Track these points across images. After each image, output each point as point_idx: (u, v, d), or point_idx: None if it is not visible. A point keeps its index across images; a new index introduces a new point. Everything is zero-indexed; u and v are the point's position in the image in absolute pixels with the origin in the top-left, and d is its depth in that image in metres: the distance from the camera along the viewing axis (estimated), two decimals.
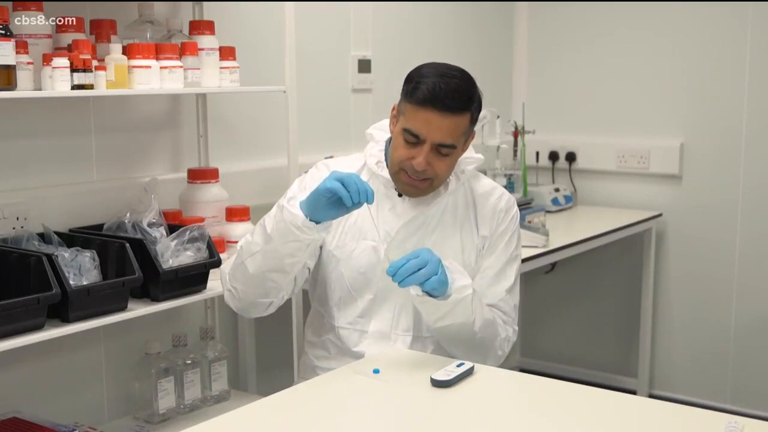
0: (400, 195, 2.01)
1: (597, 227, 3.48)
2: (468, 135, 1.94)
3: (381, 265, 1.98)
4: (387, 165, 2.00)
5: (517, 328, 2.07)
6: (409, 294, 1.86)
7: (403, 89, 1.92)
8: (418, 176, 1.91)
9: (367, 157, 2.04)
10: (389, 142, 2.00)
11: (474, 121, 1.93)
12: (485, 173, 2.39)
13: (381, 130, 2.06)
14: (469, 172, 2.03)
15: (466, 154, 2.03)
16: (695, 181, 3.78)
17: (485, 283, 2.03)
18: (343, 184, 1.73)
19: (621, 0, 3.88)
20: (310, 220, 1.78)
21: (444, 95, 1.84)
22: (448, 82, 1.85)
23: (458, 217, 2.03)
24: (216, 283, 2.30)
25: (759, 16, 3.56)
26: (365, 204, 1.77)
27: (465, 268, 2.00)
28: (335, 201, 1.76)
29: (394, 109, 1.97)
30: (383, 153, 2.02)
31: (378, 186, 2.02)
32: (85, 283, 1.96)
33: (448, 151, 1.89)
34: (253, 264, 1.90)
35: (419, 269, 1.77)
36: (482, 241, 2.04)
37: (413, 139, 1.88)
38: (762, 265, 3.65)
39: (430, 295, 1.84)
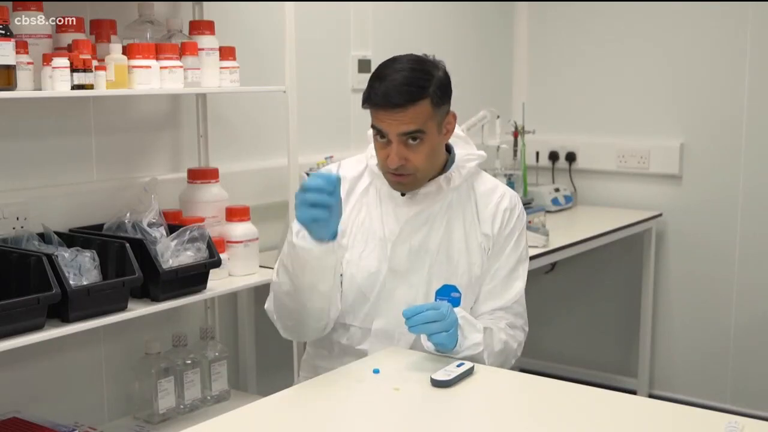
0: (402, 194, 2.01)
1: (597, 227, 3.48)
2: (440, 118, 1.92)
3: (387, 263, 1.98)
4: None
5: (527, 328, 2.08)
6: (421, 340, 1.88)
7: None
8: (399, 172, 1.91)
9: (368, 159, 2.05)
10: None
11: (438, 102, 1.89)
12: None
13: None
14: (470, 169, 2.03)
15: (467, 151, 2.03)
16: (695, 181, 3.78)
17: (497, 284, 2.03)
18: (315, 204, 1.71)
19: (621, 0, 3.88)
20: (326, 240, 1.77)
21: (391, 95, 1.83)
22: (393, 78, 1.85)
23: (461, 213, 2.03)
24: (216, 283, 2.30)
25: (759, 16, 3.56)
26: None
27: (470, 266, 2.00)
28: (321, 217, 1.74)
29: None
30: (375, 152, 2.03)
31: (381, 186, 2.02)
32: (85, 283, 1.96)
33: (416, 137, 1.87)
34: (291, 301, 1.90)
35: (434, 321, 1.79)
36: (486, 240, 2.03)
37: (382, 139, 1.90)
38: (762, 265, 3.65)
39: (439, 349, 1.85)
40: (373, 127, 1.91)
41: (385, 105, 1.85)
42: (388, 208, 2.01)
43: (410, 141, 1.88)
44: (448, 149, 2.04)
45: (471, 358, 1.86)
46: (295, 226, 1.82)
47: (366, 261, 1.99)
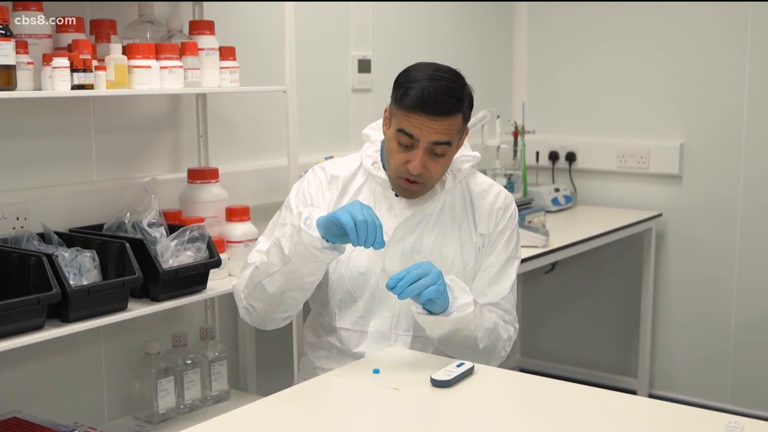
0: (396, 195, 2.01)
1: (597, 227, 3.48)
2: (462, 132, 1.94)
3: (379, 264, 1.98)
4: (383, 165, 2.00)
5: (517, 325, 2.08)
6: (412, 311, 1.88)
7: (392, 94, 1.91)
8: (414, 179, 1.91)
9: (363, 158, 2.04)
10: (385, 142, 2.00)
11: (467, 118, 1.92)
12: (485, 173, 2.40)
13: (377, 130, 2.07)
14: (465, 171, 2.03)
15: (462, 152, 2.03)
16: (695, 181, 3.78)
17: (486, 282, 2.03)
18: (356, 225, 1.72)
19: (621, 0, 3.88)
20: (328, 240, 1.79)
21: (433, 100, 1.83)
22: (436, 85, 1.84)
23: (456, 215, 2.04)
24: (216, 283, 2.30)
25: (759, 16, 3.56)
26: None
27: (464, 266, 2.01)
28: (348, 236, 1.76)
29: (386, 111, 1.96)
30: (379, 153, 2.02)
31: (375, 186, 2.02)
32: (85, 283, 1.96)
33: (443, 149, 1.88)
34: (273, 284, 1.90)
35: (419, 279, 1.78)
36: (481, 240, 2.04)
37: (407, 140, 1.88)
38: (762, 264, 3.65)
39: (432, 313, 1.84)
40: (400, 131, 1.88)
41: (425, 110, 1.83)
42: (381, 208, 2.01)
43: (437, 150, 1.88)
44: None
45: (462, 325, 1.86)
46: (305, 212, 1.82)
47: (356, 261, 1.99)
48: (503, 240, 2.05)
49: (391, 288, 1.78)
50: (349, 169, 2.06)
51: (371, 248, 1.77)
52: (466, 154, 2.04)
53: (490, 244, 2.05)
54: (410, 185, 1.93)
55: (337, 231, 1.76)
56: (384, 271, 1.98)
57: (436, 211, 2.02)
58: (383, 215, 2.00)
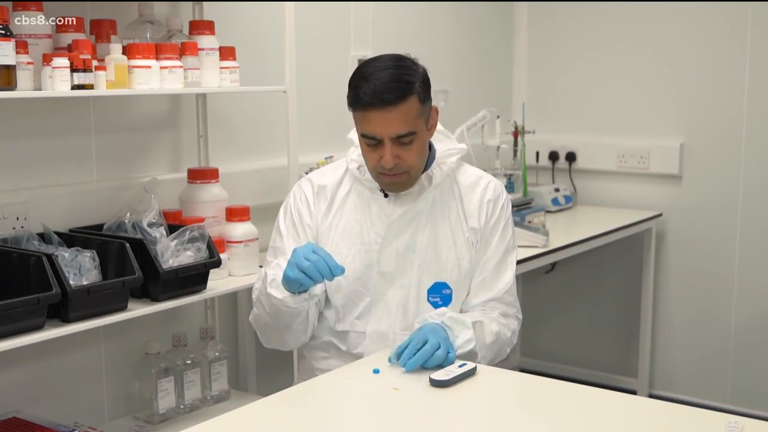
0: (385, 195, 2.01)
1: (597, 227, 3.48)
2: (426, 114, 1.92)
3: (375, 267, 1.98)
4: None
5: (521, 316, 2.09)
6: None
7: (347, 98, 1.92)
8: (393, 172, 1.91)
9: (348, 163, 2.04)
10: None
11: (424, 98, 1.90)
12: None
13: None
14: (451, 164, 2.03)
15: (448, 146, 2.03)
16: (695, 181, 3.78)
17: (487, 276, 2.03)
18: (305, 272, 1.75)
19: (621, 0, 3.88)
20: (298, 292, 1.82)
21: (380, 92, 1.83)
22: (379, 77, 1.84)
23: (446, 210, 2.03)
24: (216, 283, 2.31)
25: (759, 16, 3.56)
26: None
27: (458, 261, 2.01)
28: (305, 285, 1.79)
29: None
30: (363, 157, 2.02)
31: (363, 190, 2.02)
32: (85, 283, 1.96)
33: (410, 138, 1.88)
34: (271, 330, 1.99)
35: (433, 353, 1.79)
36: (473, 234, 2.03)
37: (372, 141, 1.89)
38: (762, 265, 3.65)
39: None
40: (363, 135, 1.89)
41: (376, 104, 1.83)
42: (371, 211, 2.01)
43: (403, 141, 1.88)
44: (429, 146, 2.03)
45: (466, 357, 1.86)
46: (270, 274, 1.87)
47: (351, 266, 1.98)
48: (498, 232, 2.04)
49: (402, 365, 1.79)
50: (335, 176, 2.06)
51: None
52: (451, 147, 2.04)
53: (484, 239, 2.03)
54: (393, 178, 1.93)
55: (299, 285, 1.80)
56: (380, 273, 1.98)
57: (427, 208, 2.01)
58: (374, 217, 2.00)
